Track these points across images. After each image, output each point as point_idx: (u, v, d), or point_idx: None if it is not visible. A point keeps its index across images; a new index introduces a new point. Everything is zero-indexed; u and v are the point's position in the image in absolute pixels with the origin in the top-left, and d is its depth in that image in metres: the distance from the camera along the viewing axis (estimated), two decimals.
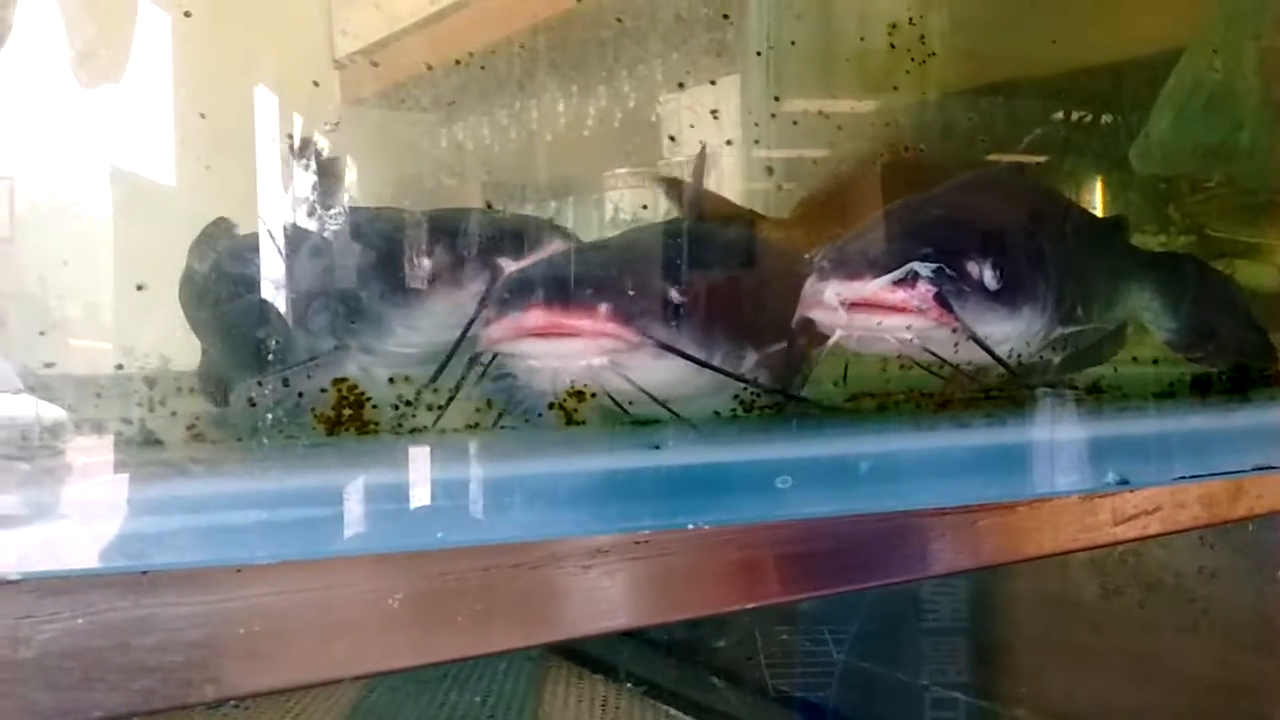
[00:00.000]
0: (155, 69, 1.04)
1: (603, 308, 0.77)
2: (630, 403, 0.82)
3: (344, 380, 0.75)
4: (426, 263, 0.90)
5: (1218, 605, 1.61)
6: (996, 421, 0.85)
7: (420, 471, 0.70)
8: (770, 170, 1.53)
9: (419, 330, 0.91)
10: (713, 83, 1.58)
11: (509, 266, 0.89)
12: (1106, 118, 1.94)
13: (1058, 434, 0.85)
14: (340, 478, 0.68)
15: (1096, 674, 1.76)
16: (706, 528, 0.75)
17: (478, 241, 0.91)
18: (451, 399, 0.81)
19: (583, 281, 0.78)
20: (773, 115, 1.53)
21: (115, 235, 1.05)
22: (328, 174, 1.00)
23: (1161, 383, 0.94)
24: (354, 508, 0.67)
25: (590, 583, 0.76)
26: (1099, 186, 1.93)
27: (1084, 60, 1.86)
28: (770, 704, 1.92)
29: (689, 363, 0.81)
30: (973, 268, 0.88)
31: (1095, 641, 1.77)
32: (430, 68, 1.45)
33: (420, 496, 0.69)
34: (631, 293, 0.79)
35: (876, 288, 0.84)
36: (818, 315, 0.86)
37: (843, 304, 0.84)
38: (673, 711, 1.93)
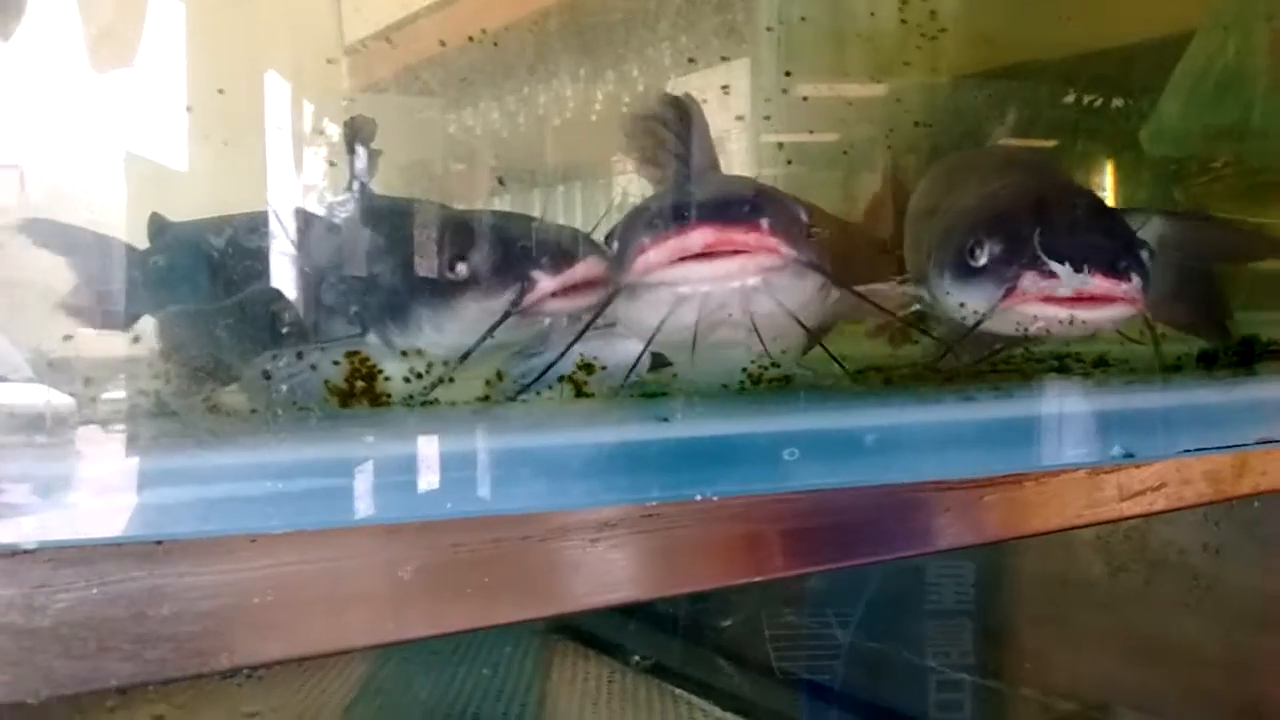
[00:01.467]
0: (166, 53, 1.04)
1: (764, 222, 0.77)
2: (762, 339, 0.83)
3: (356, 353, 0.76)
4: (462, 267, 0.90)
5: (1222, 582, 1.62)
6: (1002, 394, 0.85)
7: (431, 443, 0.71)
8: (780, 146, 1.54)
9: (445, 332, 0.91)
10: (724, 58, 1.59)
11: (541, 279, 0.88)
12: (1117, 100, 1.93)
13: (1063, 407, 0.85)
14: (352, 449, 0.69)
15: (1101, 652, 1.76)
16: (714, 500, 0.76)
17: (514, 250, 0.90)
18: (554, 363, 0.83)
19: (738, 200, 0.79)
20: (784, 90, 1.54)
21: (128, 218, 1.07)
22: (366, 161, 1.01)
23: (1167, 357, 0.94)
24: (366, 479, 0.68)
25: (598, 555, 0.77)
26: (1108, 169, 1.94)
27: (1097, 43, 1.86)
28: (775, 684, 1.93)
29: (812, 292, 0.82)
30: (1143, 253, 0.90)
31: (1100, 620, 1.78)
32: (443, 43, 1.46)
33: (431, 468, 0.69)
34: (780, 212, 0.79)
35: (1105, 283, 0.86)
36: (1023, 308, 0.88)
37: (1062, 300, 0.86)
38: (678, 691, 1.94)
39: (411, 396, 0.75)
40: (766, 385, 0.82)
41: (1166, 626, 1.72)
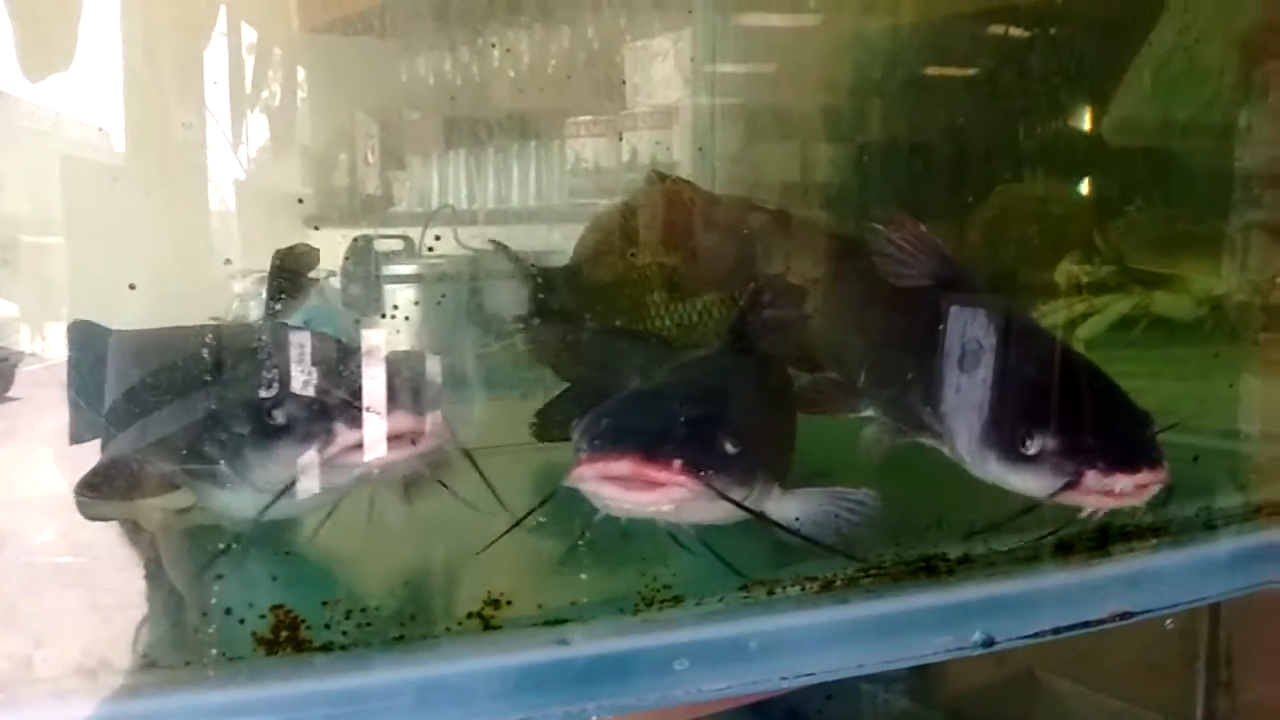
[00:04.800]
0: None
1: (677, 463, 0.87)
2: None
3: (280, 606, 0.83)
4: (279, 414, 0.92)
5: None
6: (873, 595, 0.94)
7: (354, 681, 0.78)
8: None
9: (270, 474, 0.93)
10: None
11: (341, 432, 0.90)
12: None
13: (930, 602, 0.95)
14: (279, 690, 0.77)
15: None
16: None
17: (329, 400, 0.91)
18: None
19: (664, 437, 0.89)
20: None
21: None
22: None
23: (1027, 546, 1.02)
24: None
25: None
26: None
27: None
28: None
29: (726, 512, 0.92)
30: None
31: None
32: None
33: (356, 704, 0.77)
34: (699, 447, 0.90)
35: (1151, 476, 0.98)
36: (1078, 497, 0.99)
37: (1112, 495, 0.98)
38: None
39: (330, 641, 0.83)
40: (659, 606, 0.91)
41: None
